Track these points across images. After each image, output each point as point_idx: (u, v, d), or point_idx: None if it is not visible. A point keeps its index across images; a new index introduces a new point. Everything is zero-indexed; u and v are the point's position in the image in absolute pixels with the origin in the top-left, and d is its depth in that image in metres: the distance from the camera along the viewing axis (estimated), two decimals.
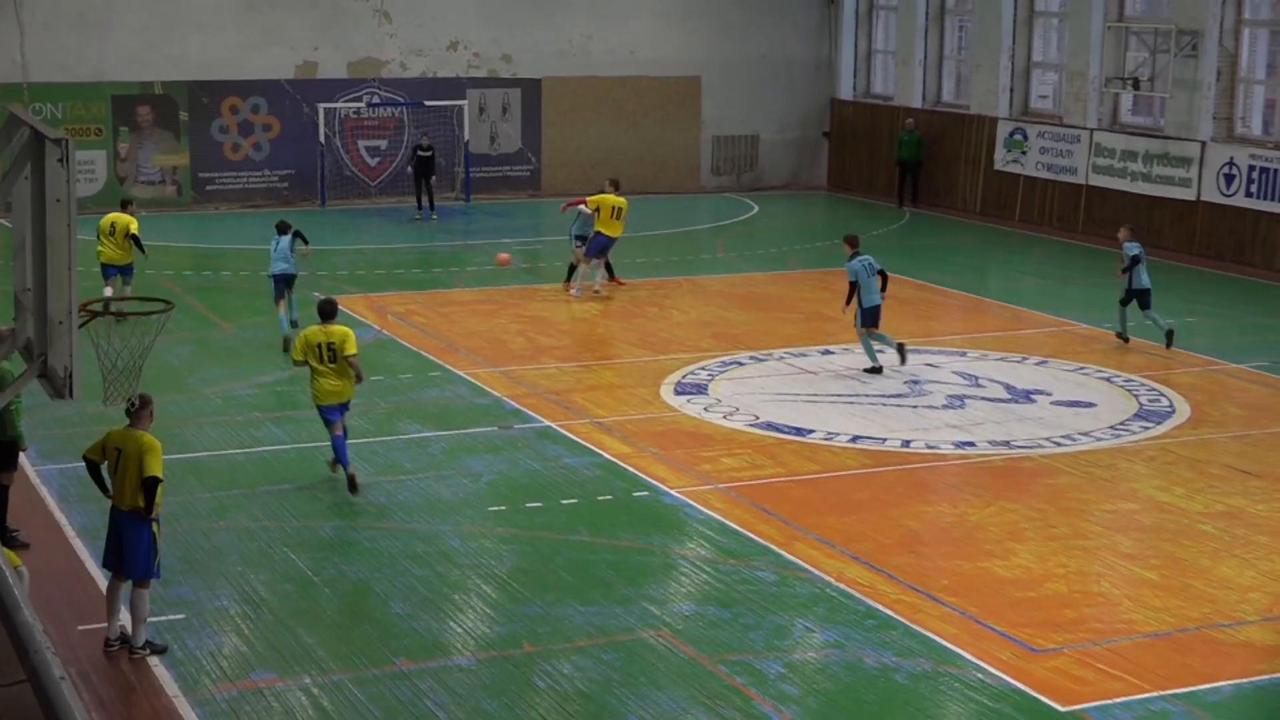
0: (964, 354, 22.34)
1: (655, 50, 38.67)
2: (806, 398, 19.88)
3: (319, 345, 15.81)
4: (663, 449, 17.54)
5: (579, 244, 26.08)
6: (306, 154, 35.85)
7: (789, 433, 18.23)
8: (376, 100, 36.43)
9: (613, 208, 25.78)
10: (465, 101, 36.78)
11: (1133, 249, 22.50)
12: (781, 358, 21.99)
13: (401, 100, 36.56)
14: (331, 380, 15.81)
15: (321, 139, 35.62)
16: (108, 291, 22.81)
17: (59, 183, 8.06)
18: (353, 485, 15.74)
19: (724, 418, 18.84)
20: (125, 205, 23.95)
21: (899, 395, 19.99)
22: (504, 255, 27.74)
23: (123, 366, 11.56)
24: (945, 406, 19.47)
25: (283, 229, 22.11)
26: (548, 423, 18.55)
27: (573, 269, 26.36)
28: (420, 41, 36.80)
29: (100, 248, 23.40)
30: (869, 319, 20.89)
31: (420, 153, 34.36)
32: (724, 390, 20.18)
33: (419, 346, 22.39)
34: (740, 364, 21.63)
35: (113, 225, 23.36)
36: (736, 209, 36.55)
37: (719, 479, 16.52)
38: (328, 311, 16.00)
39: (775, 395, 19.97)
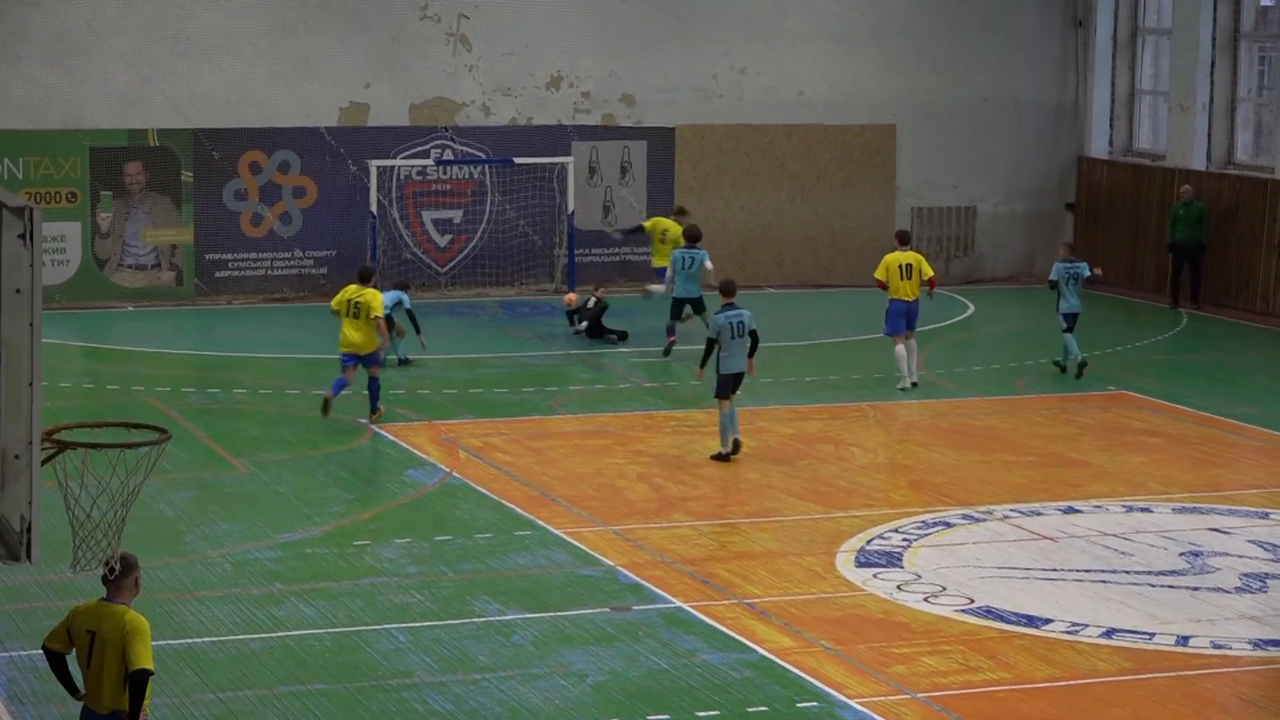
0: (1266, 515, 22.13)
1: (833, 89, 38.93)
2: (1042, 574, 19.77)
3: (349, 301, 25.51)
4: (839, 642, 17.49)
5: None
6: (352, 229, 36.34)
7: (1017, 622, 18.12)
8: (449, 156, 36.96)
9: (899, 266, 28.19)
10: (570, 159, 37.20)
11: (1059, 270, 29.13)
12: (1006, 517, 21.91)
13: (483, 157, 37.07)
14: (352, 332, 25.35)
15: (373, 208, 36.08)
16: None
17: (19, 267, 8.19)
18: (326, 407, 25.42)
19: (925, 600, 18.78)
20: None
21: (1173, 572, 19.82)
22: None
23: (100, 518, 11.71)
24: (1239, 589, 19.29)
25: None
26: (679, 603, 18.55)
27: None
28: (509, 76, 37.34)
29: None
30: (724, 388, 23.75)
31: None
32: (925, 562, 20.12)
33: (501, 495, 22.51)
34: (948, 525, 21.57)
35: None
36: (945, 308, 36.44)
37: (917, 686, 16.42)
38: (365, 275, 25.96)
39: (997, 570, 19.89)
